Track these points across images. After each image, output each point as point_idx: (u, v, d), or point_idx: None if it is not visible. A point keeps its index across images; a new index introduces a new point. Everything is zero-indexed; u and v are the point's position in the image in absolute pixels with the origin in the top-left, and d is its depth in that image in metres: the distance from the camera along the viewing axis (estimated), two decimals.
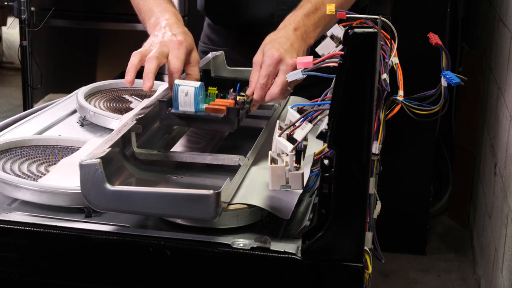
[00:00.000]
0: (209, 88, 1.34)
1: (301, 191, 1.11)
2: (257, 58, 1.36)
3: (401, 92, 1.08)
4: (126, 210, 1.05)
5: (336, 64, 1.00)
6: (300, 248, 1.03)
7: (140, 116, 1.22)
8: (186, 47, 1.34)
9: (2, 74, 5.64)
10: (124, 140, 1.16)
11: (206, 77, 1.43)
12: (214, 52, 1.65)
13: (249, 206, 1.09)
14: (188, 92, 1.18)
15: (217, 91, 1.32)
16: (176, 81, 1.20)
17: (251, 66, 1.39)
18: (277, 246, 1.04)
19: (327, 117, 1.00)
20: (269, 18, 1.72)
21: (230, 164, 1.19)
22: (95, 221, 1.11)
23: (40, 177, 1.19)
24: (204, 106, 1.21)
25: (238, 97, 1.29)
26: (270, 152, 1.08)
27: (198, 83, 1.20)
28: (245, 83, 1.36)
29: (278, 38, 1.36)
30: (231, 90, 1.34)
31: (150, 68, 1.27)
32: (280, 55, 1.31)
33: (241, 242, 1.04)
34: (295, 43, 1.36)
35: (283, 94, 1.31)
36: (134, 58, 1.30)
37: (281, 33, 1.39)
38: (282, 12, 1.68)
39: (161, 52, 1.31)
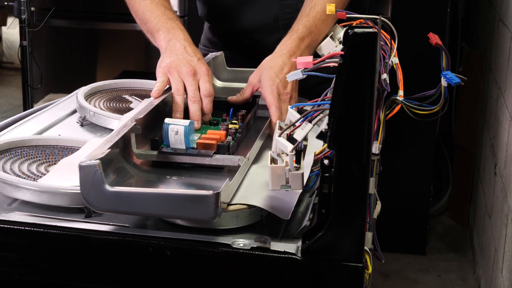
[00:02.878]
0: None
1: (301, 191, 1.11)
2: (252, 80, 1.44)
3: (401, 92, 1.08)
4: (125, 211, 1.05)
5: (336, 64, 1.00)
6: (300, 248, 1.03)
7: (140, 117, 1.22)
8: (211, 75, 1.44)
9: (2, 74, 5.64)
10: (124, 141, 1.16)
11: None
12: (213, 53, 1.65)
13: (249, 206, 1.09)
14: (178, 131, 1.20)
15: (210, 117, 1.37)
16: (166, 120, 1.22)
17: (253, 67, 1.45)
18: (277, 246, 1.04)
19: (327, 117, 1.00)
20: (274, 23, 1.73)
21: (230, 164, 1.19)
22: (95, 221, 1.11)
23: (40, 177, 1.19)
24: (195, 138, 1.23)
25: (230, 125, 1.31)
26: (270, 152, 1.08)
27: (187, 122, 1.21)
28: (238, 107, 1.40)
29: (274, 67, 1.44)
30: (224, 114, 1.38)
31: (197, 111, 1.36)
32: (277, 87, 1.40)
33: (241, 242, 1.04)
34: (290, 71, 1.42)
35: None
36: (162, 82, 1.39)
37: (277, 60, 1.46)
38: (287, 16, 1.69)
39: (196, 88, 1.38)
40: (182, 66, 1.40)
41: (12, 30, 4.95)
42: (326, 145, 1.00)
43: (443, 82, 1.06)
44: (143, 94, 1.62)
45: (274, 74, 1.42)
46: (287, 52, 1.47)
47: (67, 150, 1.32)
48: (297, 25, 1.52)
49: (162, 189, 1.11)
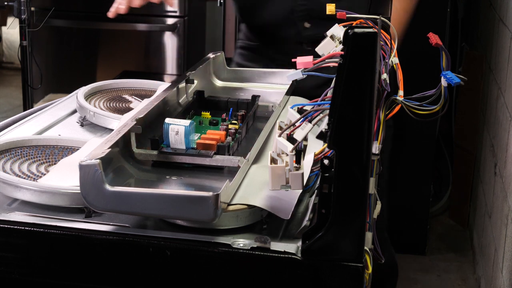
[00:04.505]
0: (202, 113, 1.39)
1: (301, 191, 1.11)
2: None
3: (401, 92, 1.08)
4: (125, 211, 1.05)
5: (336, 64, 1.00)
6: (300, 248, 1.03)
7: (140, 117, 1.22)
8: None
9: (2, 74, 5.64)
10: (124, 140, 1.16)
11: (200, 98, 1.46)
12: (213, 52, 1.65)
13: (249, 206, 1.09)
14: (178, 131, 1.20)
15: (210, 116, 1.37)
16: (167, 120, 1.22)
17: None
18: (277, 246, 1.04)
19: (327, 117, 1.00)
20: (289, 14, 1.76)
21: (230, 165, 1.19)
22: (95, 221, 1.11)
23: (40, 177, 1.19)
24: (196, 138, 1.23)
25: (230, 126, 1.31)
26: (270, 152, 1.08)
27: (188, 122, 1.21)
28: (238, 107, 1.41)
29: None
30: (224, 114, 1.38)
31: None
32: None
33: (241, 242, 1.04)
34: None
35: None
36: None
37: None
38: (301, 8, 1.71)
39: None
40: None
41: (12, 30, 4.95)
42: (326, 145, 1.00)
43: (443, 82, 1.06)
44: (143, 94, 1.63)
45: None
46: None
47: (67, 150, 1.32)
48: None
49: (162, 190, 1.11)
